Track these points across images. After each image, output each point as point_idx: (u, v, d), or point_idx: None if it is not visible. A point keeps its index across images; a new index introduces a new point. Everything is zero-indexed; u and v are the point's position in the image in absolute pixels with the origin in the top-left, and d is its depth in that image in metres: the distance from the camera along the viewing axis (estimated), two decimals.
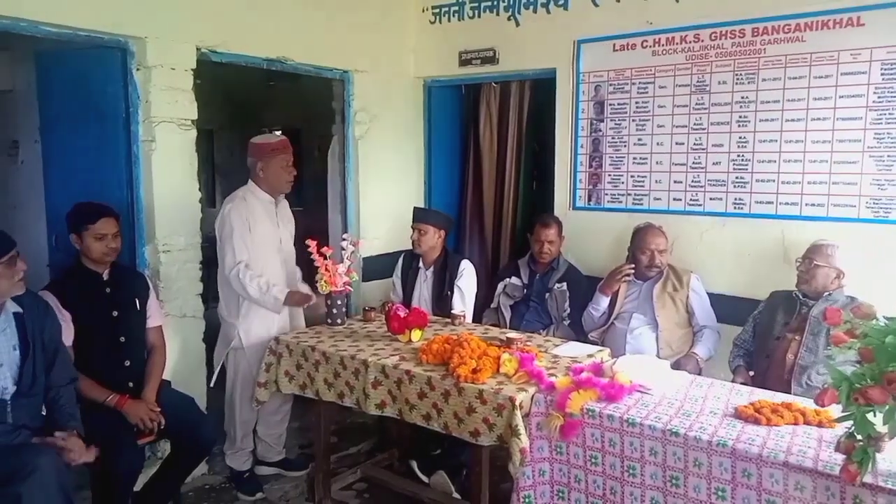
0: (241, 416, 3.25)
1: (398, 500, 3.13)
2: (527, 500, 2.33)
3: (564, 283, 3.59)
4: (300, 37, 3.73)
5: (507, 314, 3.73)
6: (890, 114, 2.98)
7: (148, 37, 3.05)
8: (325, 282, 3.17)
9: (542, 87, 4.27)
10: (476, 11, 4.22)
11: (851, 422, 1.69)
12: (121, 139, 3.11)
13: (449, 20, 4.35)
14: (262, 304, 3.10)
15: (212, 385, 3.33)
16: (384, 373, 2.67)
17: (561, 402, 2.27)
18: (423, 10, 4.44)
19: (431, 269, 3.64)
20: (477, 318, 3.75)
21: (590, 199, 3.90)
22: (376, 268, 4.25)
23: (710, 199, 3.48)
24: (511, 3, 4.06)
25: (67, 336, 2.51)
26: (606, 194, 3.85)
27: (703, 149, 3.47)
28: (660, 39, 3.55)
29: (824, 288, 2.82)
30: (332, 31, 3.92)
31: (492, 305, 3.84)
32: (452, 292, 3.54)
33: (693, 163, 3.51)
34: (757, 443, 1.98)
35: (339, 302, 3.23)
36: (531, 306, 3.67)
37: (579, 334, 3.50)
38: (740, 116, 3.35)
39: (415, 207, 3.75)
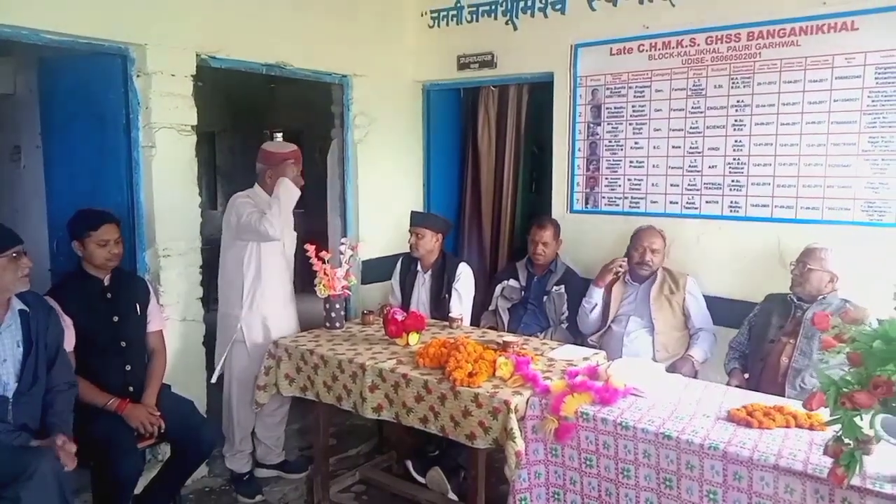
0: (239, 417, 3.27)
1: (396, 501, 3.15)
2: (523, 502, 2.36)
3: (562, 286, 3.62)
4: (299, 42, 3.76)
5: (506, 317, 3.75)
6: (884, 117, 3.00)
7: (148, 44, 3.08)
8: (323, 285, 3.20)
9: (540, 90, 4.29)
10: (474, 16, 4.25)
11: (839, 425, 1.71)
12: (121, 144, 3.14)
13: (447, 24, 4.37)
14: (284, 202, 3.05)
15: (213, 381, 3.34)
16: (381, 376, 2.69)
17: (556, 406, 2.30)
18: (422, 15, 4.47)
19: (429, 272, 3.67)
20: (475, 320, 3.78)
21: (587, 203, 3.93)
22: (375, 271, 4.28)
23: (707, 202, 3.50)
24: (509, 7, 4.08)
25: (69, 341, 2.54)
26: (603, 197, 3.87)
27: (699, 152, 3.50)
28: (656, 43, 3.58)
29: (818, 291, 2.84)
30: (330, 36, 3.95)
31: (490, 308, 3.87)
32: (450, 295, 3.56)
33: (689, 166, 3.54)
34: (748, 446, 2.00)
35: (337, 305, 3.26)
36: (529, 309, 3.69)
37: (577, 337, 3.53)
38: (736, 120, 3.37)
39: (413, 212, 3.78)
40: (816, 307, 2.78)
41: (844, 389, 1.67)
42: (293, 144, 3.32)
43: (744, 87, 3.33)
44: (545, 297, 3.65)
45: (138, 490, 2.69)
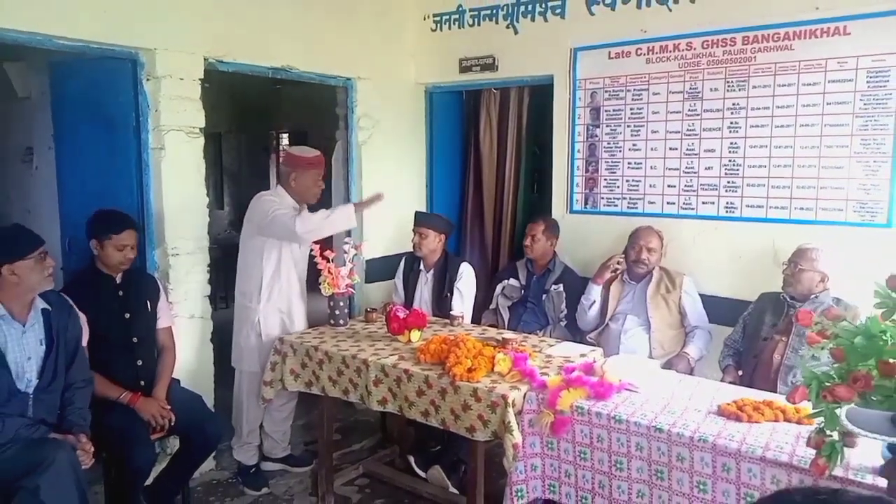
0: (249, 411, 3.36)
1: (398, 494, 3.23)
2: (519, 493, 2.43)
3: (561, 285, 3.69)
4: (304, 46, 3.84)
5: (506, 315, 3.83)
6: (876, 120, 3.06)
7: (157, 48, 3.16)
8: (328, 284, 3.28)
9: (540, 92, 4.36)
10: (476, 20, 4.32)
11: (822, 418, 1.78)
12: (131, 147, 3.22)
13: (449, 28, 4.44)
14: (336, 224, 3.19)
15: (233, 364, 3.41)
16: (384, 371, 2.78)
17: (552, 400, 2.37)
18: (425, 19, 4.54)
19: (432, 271, 3.74)
20: (476, 318, 3.85)
21: (586, 203, 4.00)
22: (379, 269, 4.35)
23: (703, 203, 3.57)
24: (510, 11, 4.15)
25: (83, 337, 2.62)
26: (602, 198, 3.94)
27: (695, 154, 3.57)
28: (654, 47, 3.64)
29: (809, 291, 2.90)
30: (335, 40, 4.03)
31: (490, 306, 3.94)
32: (452, 294, 3.64)
33: (686, 168, 3.60)
34: (737, 439, 2.07)
35: (341, 303, 3.34)
36: (529, 307, 3.77)
37: (575, 335, 3.60)
38: (731, 122, 3.44)
39: (416, 212, 3.86)
40: (808, 306, 2.85)
41: (826, 383, 1.74)
42: (317, 150, 3.40)
43: (739, 90, 3.40)
44: (544, 296, 3.72)
45: (148, 482, 2.77)
